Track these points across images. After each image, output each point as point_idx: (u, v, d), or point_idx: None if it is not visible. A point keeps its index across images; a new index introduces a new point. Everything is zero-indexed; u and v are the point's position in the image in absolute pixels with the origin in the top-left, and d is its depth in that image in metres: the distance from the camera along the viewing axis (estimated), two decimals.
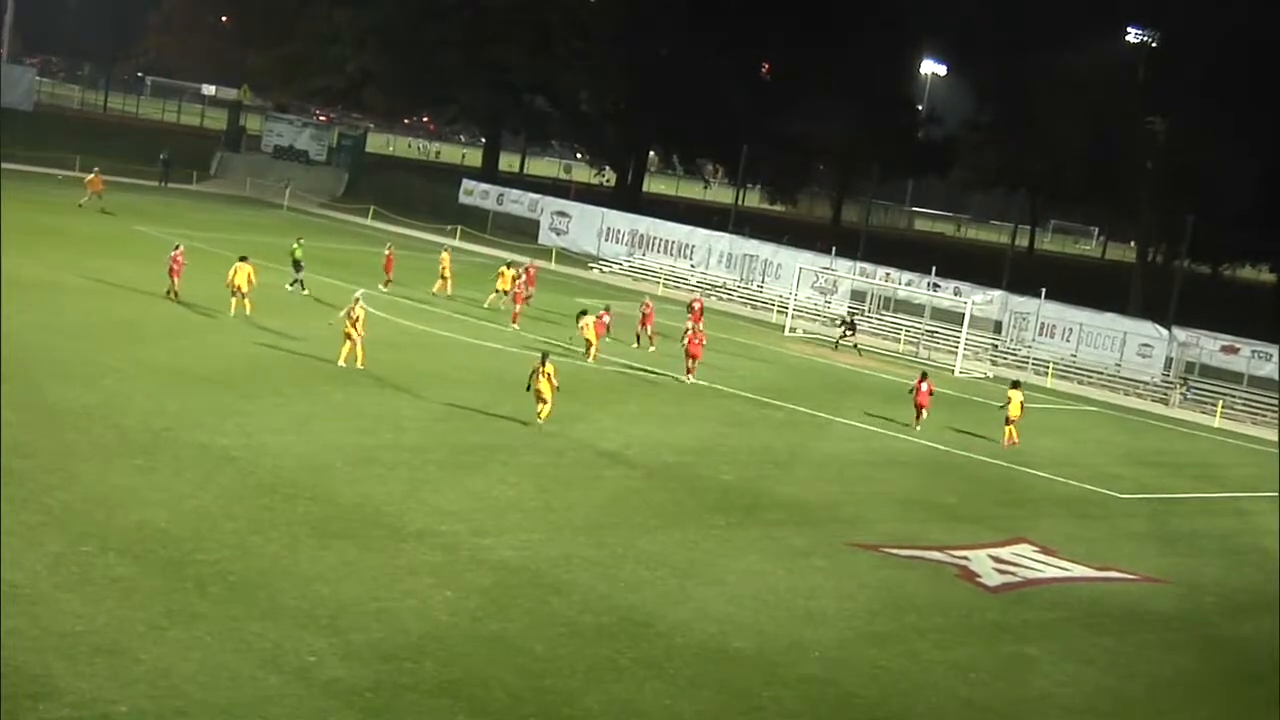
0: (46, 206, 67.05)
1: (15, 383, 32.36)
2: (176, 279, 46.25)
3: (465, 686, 19.88)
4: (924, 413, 44.02)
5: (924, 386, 44.16)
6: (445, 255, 60.39)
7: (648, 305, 53.29)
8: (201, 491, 26.80)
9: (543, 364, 35.41)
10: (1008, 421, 43.39)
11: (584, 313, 48.02)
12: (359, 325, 39.29)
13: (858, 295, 71.18)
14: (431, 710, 19.06)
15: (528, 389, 35.54)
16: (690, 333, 47.21)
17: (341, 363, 39.11)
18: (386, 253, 59.89)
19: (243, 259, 45.26)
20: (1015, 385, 45.12)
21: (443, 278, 58.25)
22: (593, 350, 46.72)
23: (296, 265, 52.73)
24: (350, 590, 22.79)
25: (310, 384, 37.68)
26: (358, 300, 39.80)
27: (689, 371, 45.99)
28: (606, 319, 49.99)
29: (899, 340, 65.69)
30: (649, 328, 51.92)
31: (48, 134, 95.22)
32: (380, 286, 55.55)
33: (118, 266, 52.72)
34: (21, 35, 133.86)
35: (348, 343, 39.28)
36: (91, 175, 71.16)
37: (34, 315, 39.86)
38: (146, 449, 29.19)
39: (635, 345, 51.53)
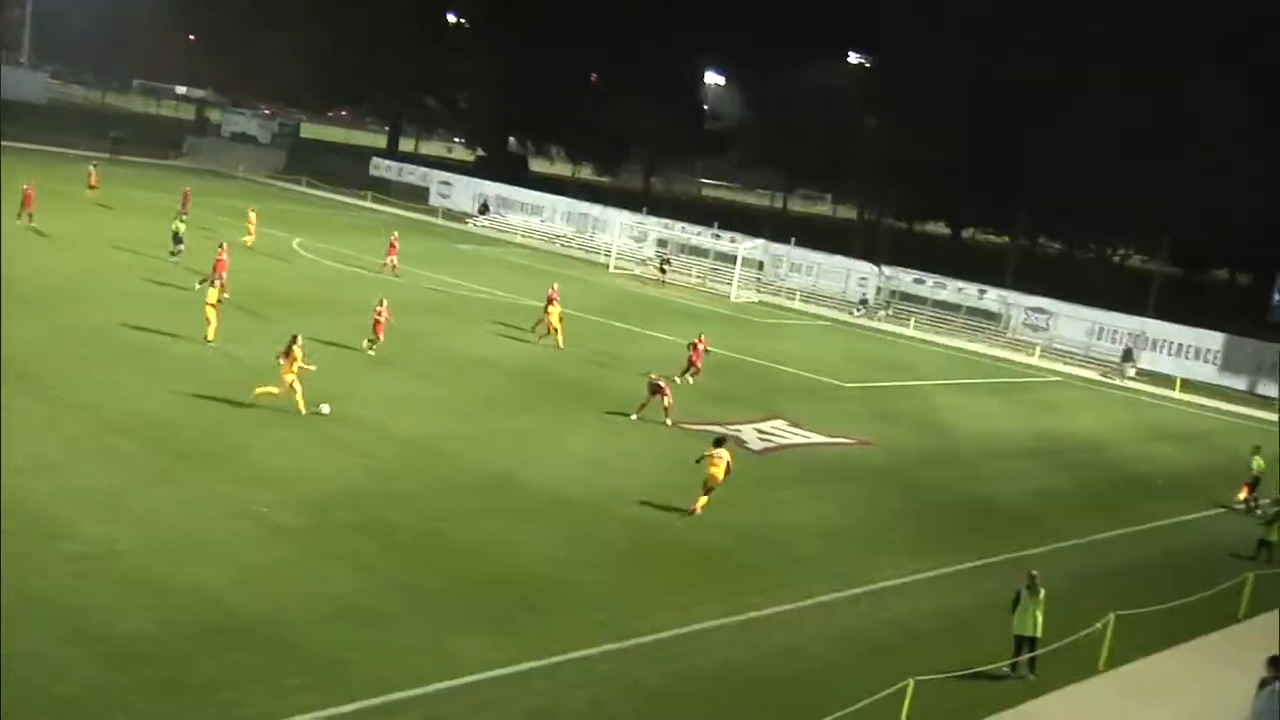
0: (59, 177, 64.11)
1: (33, 307, 31.20)
2: (223, 273, 36.03)
3: (377, 528, 19.79)
4: (697, 370, 35.58)
5: (700, 347, 35.63)
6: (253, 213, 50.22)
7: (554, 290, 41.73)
8: (180, 388, 26.15)
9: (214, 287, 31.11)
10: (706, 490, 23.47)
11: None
12: (296, 365, 25.71)
13: (662, 243, 71.17)
14: (353, 544, 18.97)
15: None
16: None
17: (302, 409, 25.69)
18: (391, 239, 49.82)
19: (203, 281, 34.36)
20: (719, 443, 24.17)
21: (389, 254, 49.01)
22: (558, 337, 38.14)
23: (176, 239, 42.65)
24: (291, 460, 22.51)
25: (259, 309, 36.74)
26: (295, 340, 26.35)
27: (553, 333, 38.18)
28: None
29: (691, 275, 66.04)
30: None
31: (57, 123, 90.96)
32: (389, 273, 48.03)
33: (114, 222, 50.78)
34: (37, 45, 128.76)
35: (286, 388, 25.64)
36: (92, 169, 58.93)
37: (49, 259, 38.27)
38: (137, 356, 28.36)
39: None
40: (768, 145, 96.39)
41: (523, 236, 74.09)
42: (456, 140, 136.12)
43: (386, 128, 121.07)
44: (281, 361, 25.67)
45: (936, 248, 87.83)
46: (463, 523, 20.66)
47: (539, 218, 79.56)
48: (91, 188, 56.80)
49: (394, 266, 48.28)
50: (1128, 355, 55.25)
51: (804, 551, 22.20)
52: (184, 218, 45.01)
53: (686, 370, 35.25)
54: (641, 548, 20.92)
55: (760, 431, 30.80)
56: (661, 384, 30.01)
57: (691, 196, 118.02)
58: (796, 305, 62.76)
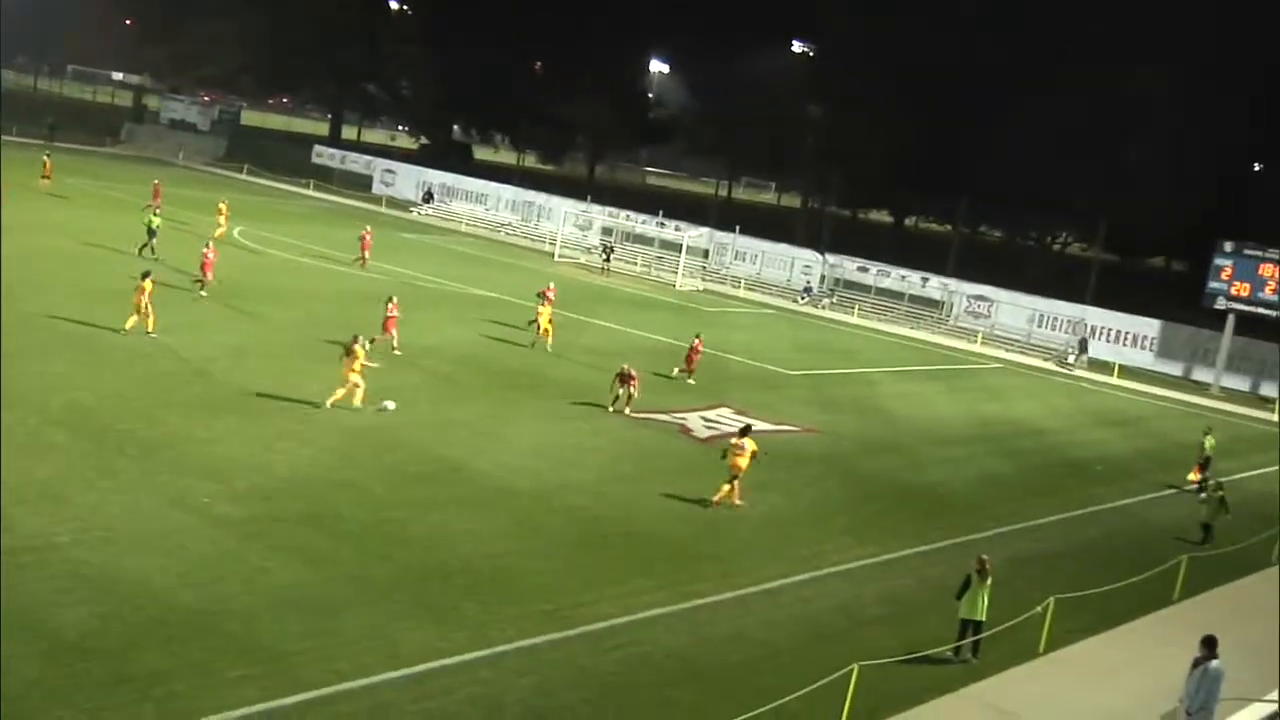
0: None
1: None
2: (209, 273, 36.97)
3: (322, 517, 19.65)
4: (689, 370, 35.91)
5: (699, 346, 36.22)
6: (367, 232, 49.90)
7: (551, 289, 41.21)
8: (119, 378, 25.80)
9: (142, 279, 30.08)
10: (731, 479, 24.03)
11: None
12: (145, 295, 29.68)
13: (607, 231, 71.13)
14: (297, 534, 18.81)
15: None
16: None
17: (127, 327, 29.68)
18: (364, 234, 49.64)
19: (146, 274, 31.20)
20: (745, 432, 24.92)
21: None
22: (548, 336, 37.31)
23: (150, 232, 42.13)
24: (234, 450, 22.26)
25: (198, 297, 36.31)
26: (147, 275, 30.35)
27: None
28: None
29: (636, 264, 66.04)
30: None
31: None
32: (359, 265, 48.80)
33: (53, 210, 49.88)
34: None
35: (135, 315, 29.88)
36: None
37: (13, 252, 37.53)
38: (75, 345, 27.91)
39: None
40: (712, 134, 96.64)
41: (467, 225, 73.76)
42: (400, 128, 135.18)
43: (328, 115, 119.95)
44: (344, 360, 26.16)
45: (880, 236, 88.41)
46: (408, 512, 20.55)
47: (484, 206, 79.28)
48: (45, 178, 55.82)
49: (365, 260, 48.03)
50: (1083, 346, 55.87)
51: (749, 539, 22.31)
52: (156, 211, 44.29)
53: (685, 369, 35.37)
54: (587, 537, 20.94)
55: (706, 420, 30.89)
56: (633, 374, 29.97)
57: (636, 185, 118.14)
58: (741, 293, 62.98)
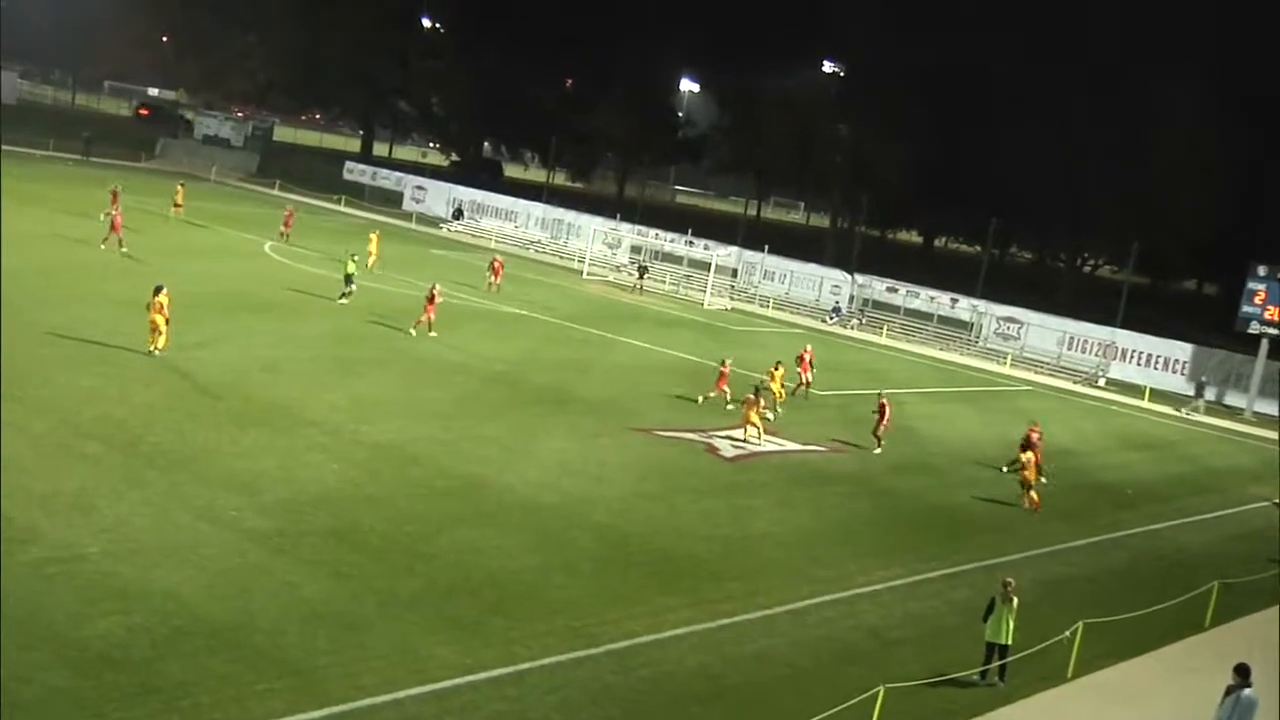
0: (29, 178, 63.65)
1: (5, 309, 30.91)
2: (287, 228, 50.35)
3: (349, 532, 19.70)
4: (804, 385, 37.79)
5: (806, 357, 37.36)
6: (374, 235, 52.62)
7: (498, 261, 52.04)
8: (149, 391, 25.98)
9: (154, 295, 28.93)
10: (1025, 485, 29.14)
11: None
12: (164, 312, 28.79)
13: (636, 249, 71.24)
14: (324, 548, 18.87)
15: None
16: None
17: (154, 349, 28.92)
18: (286, 212, 56.60)
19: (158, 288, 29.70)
20: (1026, 447, 30.14)
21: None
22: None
23: (348, 279, 41.98)
24: (263, 463, 22.38)
25: (227, 312, 36.62)
26: (160, 289, 29.18)
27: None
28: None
29: (664, 282, 66.06)
30: (499, 279, 50.93)
31: (27, 124, 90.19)
32: (280, 240, 53.29)
33: (81, 224, 50.34)
34: (6, 45, 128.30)
35: (155, 332, 28.95)
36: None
37: (19, 259, 37.89)
38: (105, 359, 28.13)
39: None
40: (741, 153, 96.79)
41: (497, 242, 73.98)
42: (431, 145, 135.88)
43: (360, 131, 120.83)
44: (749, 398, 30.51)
45: (909, 256, 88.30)
46: (435, 527, 20.59)
47: (513, 223, 79.54)
48: (177, 206, 56.40)
49: (497, 286, 50.75)
50: (1200, 390, 53.09)
51: (776, 558, 22.24)
52: (354, 257, 43.44)
53: (720, 393, 34.25)
54: (613, 554, 20.91)
55: (733, 439, 30.83)
56: (760, 393, 31.10)
57: (665, 203, 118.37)
58: (770, 313, 62.90)
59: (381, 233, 54.46)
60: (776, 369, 35.59)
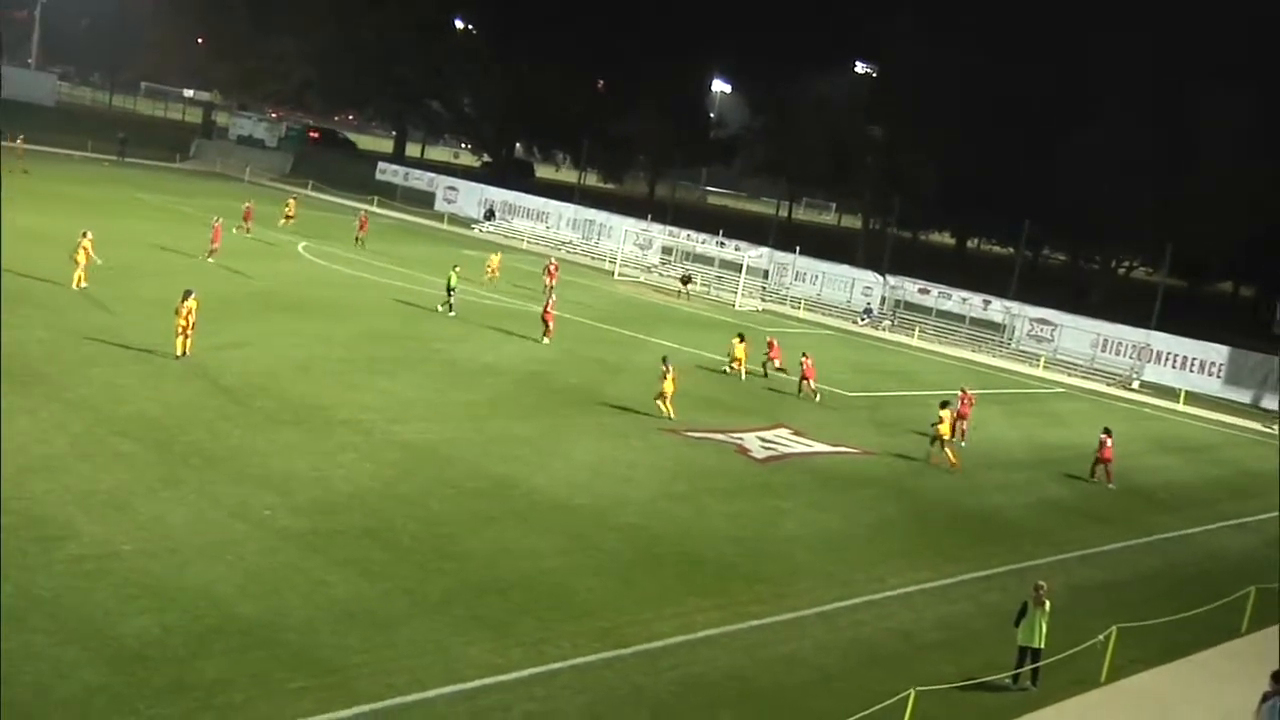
0: (71, 180, 64.36)
1: (48, 309, 31.30)
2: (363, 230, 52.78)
3: (380, 531, 19.80)
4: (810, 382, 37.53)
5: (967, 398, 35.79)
6: (494, 257, 52.66)
7: (554, 264, 52.19)
8: (183, 389, 26.19)
9: (182, 300, 28.62)
10: (937, 441, 31.48)
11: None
12: (190, 317, 28.50)
13: (667, 250, 71.18)
14: (356, 547, 18.97)
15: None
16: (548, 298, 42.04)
17: (179, 354, 28.53)
18: (361, 217, 58.89)
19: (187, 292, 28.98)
20: (944, 405, 32.34)
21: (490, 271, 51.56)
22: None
23: (449, 290, 41.78)
24: (295, 462, 22.51)
25: (261, 312, 36.86)
26: (189, 294, 28.70)
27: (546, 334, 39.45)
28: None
29: (695, 283, 65.86)
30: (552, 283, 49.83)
31: (66, 125, 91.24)
32: (266, 227, 53.79)
33: (121, 225, 50.81)
34: (45, 48, 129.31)
35: (180, 336, 28.61)
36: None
37: (59, 263, 38.26)
38: (141, 358, 28.37)
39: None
40: (773, 153, 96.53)
41: (528, 242, 74.17)
42: (463, 145, 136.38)
43: (393, 132, 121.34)
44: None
45: (941, 258, 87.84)
46: (466, 527, 20.66)
47: (544, 224, 79.69)
48: (288, 218, 58.83)
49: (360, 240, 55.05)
50: None
51: (806, 561, 22.18)
52: (457, 269, 43.02)
53: (953, 432, 32.51)
54: (643, 555, 20.91)
55: (764, 440, 30.79)
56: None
57: (696, 204, 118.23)
58: (801, 314, 62.75)
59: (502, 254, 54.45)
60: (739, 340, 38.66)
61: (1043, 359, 57.51)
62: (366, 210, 65.63)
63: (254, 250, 48.94)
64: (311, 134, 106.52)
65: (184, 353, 28.69)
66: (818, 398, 37.28)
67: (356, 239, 57.42)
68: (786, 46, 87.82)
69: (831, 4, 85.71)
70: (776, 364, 40.12)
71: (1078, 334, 59.31)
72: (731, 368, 39.07)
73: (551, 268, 51.83)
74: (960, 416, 34.66)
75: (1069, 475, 33.37)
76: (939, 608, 21.04)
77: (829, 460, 30.27)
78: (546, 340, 38.97)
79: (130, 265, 40.99)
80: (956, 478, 30.78)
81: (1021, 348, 59.72)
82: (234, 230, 52.31)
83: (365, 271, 49.35)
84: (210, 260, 43.80)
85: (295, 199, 62.70)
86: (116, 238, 46.36)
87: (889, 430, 35.29)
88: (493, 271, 51.50)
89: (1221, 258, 77.69)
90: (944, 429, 31.25)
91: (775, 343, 40.96)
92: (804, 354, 38.28)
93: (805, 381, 37.31)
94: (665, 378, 31.19)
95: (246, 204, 55.33)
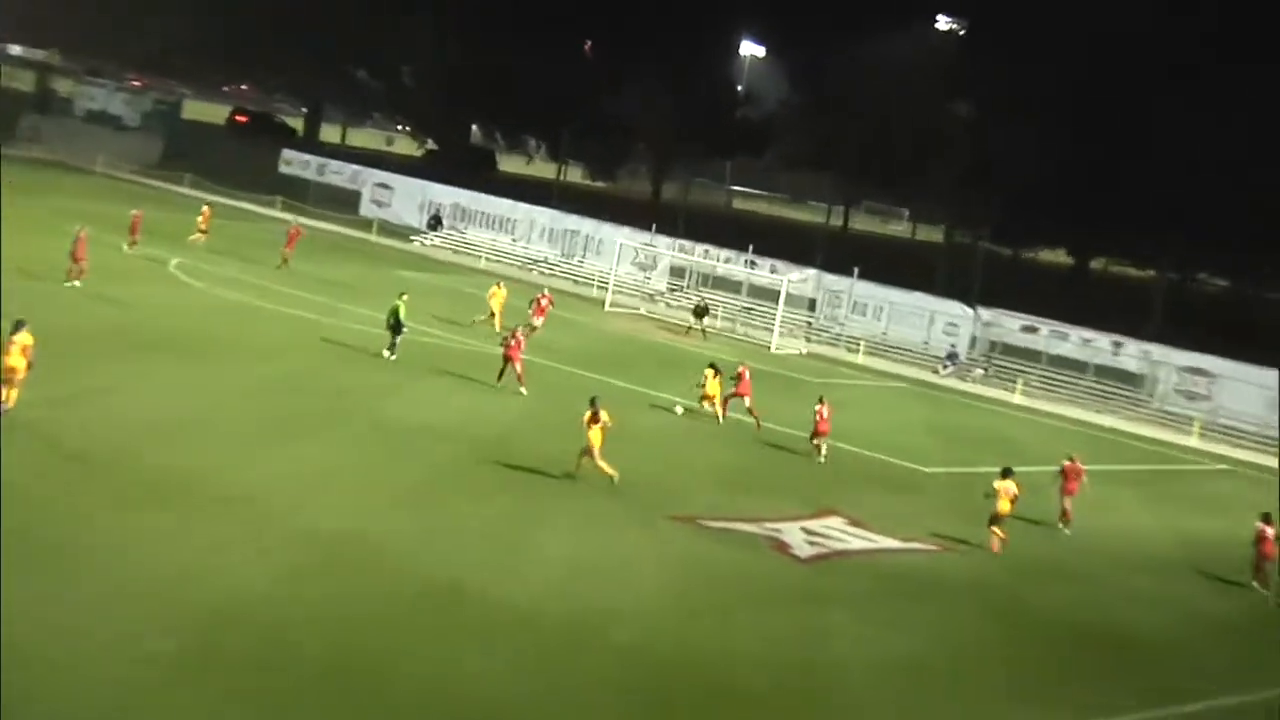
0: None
1: None
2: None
3: (276, 657, 19.64)
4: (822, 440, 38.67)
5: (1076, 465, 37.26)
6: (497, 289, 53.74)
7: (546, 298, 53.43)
8: (10, 456, 25.98)
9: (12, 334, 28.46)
10: (994, 521, 32.33)
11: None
12: (26, 356, 28.31)
13: (676, 272, 71.49)
14: (241, 676, 18.81)
15: None
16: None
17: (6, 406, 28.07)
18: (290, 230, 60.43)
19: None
20: (1007, 474, 32.97)
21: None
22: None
23: (396, 326, 42.15)
24: (164, 559, 22.38)
25: (127, 352, 36.83)
26: (21, 326, 28.59)
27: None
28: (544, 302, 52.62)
29: (717, 317, 66.01)
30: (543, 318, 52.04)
31: None
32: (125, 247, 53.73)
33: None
34: None
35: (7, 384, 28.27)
36: None
37: None
38: None
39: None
40: (822, 141, 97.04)
41: (488, 260, 74.53)
42: (399, 128, 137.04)
43: (303, 109, 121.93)
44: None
45: (1053, 283, 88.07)
46: (395, 649, 20.55)
47: (510, 235, 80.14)
48: (202, 231, 59.78)
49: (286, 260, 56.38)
50: None
51: (864, 697, 22.13)
52: (404, 298, 43.34)
53: (1063, 515, 35.81)
54: (641, 686, 20.84)
55: (809, 532, 30.76)
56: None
57: (718, 209, 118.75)
58: (860, 360, 62.87)
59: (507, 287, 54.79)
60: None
61: (1197, 424, 57.53)
62: (297, 221, 65.53)
63: (125, 270, 49.02)
64: (238, 118, 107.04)
65: (8, 404, 28.32)
66: (821, 457, 37.91)
67: (284, 259, 57.60)
68: None
69: None
70: (746, 403, 40.94)
71: (1246, 389, 59.26)
72: (701, 405, 40.85)
73: (543, 302, 52.43)
74: (1065, 493, 35.39)
75: (1226, 580, 33.31)
76: None
77: (897, 560, 30.24)
78: (523, 390, 39.36)
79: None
80: (1078, 584, 30.72)
81: (1167, 407, 59.83)
82: (125, 247, 53.00)
83: (270, 300, 49.47)
84: (78, 284, 43.97)
85: (209, 206, 62.92)
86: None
87: (981, 519, 35.20)
88: (495, 312, 51.49)
89: None
90: (1003, 506, 31.91)
91: (747, 374, 41.98)
92: (820, 399, 38.84)
93: (818, 440, 37.81)
94: (594, 424, 30.96)
95: (134, 211, 55.43)
